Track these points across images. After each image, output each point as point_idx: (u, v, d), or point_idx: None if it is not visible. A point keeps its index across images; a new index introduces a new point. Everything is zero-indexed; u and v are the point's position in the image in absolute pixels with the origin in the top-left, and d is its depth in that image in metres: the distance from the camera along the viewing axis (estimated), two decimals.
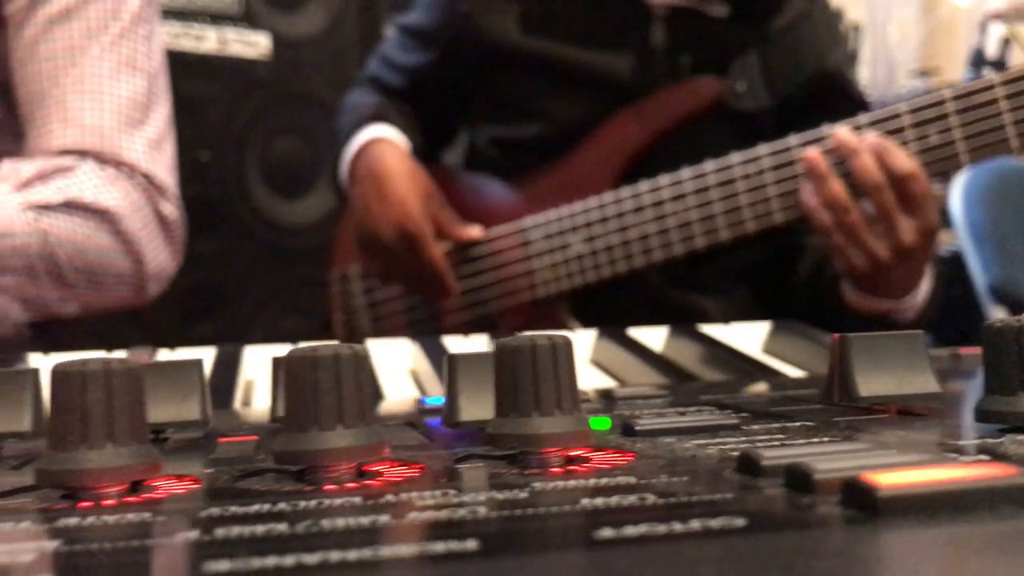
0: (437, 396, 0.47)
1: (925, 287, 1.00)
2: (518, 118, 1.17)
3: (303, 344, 0.53)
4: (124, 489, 0.25)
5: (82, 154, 0.75)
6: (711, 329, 0.76)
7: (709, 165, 1.01)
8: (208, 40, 1.55)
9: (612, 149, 1.10)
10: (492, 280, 1.13)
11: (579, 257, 1.08)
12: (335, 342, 0.28)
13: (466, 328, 1.15)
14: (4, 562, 0.20)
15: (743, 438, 0.34)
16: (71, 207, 0.72)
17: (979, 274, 1.39)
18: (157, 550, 0.21)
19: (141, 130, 0.79)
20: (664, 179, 1.03)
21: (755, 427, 0.37)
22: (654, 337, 0.74)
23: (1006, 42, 2.67)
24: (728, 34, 1.11)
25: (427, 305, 1.17)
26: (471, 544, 0.21)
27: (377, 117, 1.16)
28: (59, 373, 0.25)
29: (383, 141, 1.13)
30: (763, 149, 0.99)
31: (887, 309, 0.97)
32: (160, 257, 0.80)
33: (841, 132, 0.94)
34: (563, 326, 1.09)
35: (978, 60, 2.69)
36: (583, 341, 0.72)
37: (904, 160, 0.90)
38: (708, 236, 1.01)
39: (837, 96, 1.13)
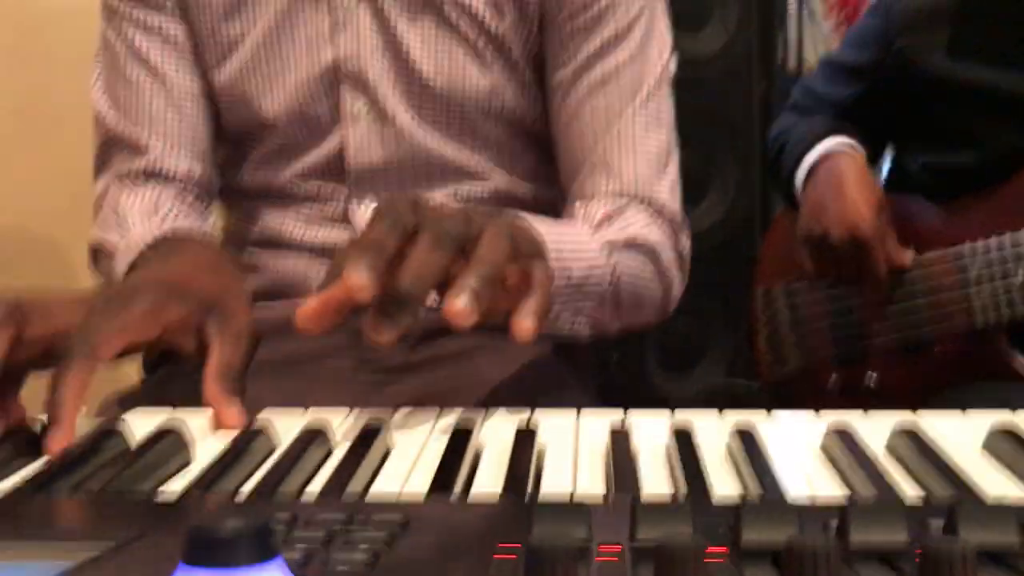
0: None
1: None
2: (953, 146, 1.20)
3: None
4: None
5: (626, 198, 0.90)
6: None
7: None
8: None
9: None
10: (925, 304, 1.17)
11: (1022, 287, 1.09)
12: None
13: (894, 347, 1.20)
14: None
15: None
16: (629, 244, 0.86)
17: None
18: None
19: (665, 176, 0.92)
20: None
21: None
22: None
23: None
24: None
25: (853, 326, 1.23)
26: None
27: (836, 131, 1.24)
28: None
29: (844, 151, 1.21)
30: None
31: None
32: (678, 285, 0.93)
33: None
34: (1003, 357, 1.11)
35: None
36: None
37: None
38: None
39: None
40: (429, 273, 0.55)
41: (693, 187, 1.88)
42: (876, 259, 1.16)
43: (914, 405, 1.12)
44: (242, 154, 0.97)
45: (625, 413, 0.58)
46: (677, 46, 1.78)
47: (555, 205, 1.03)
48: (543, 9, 0.91)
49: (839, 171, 1.19)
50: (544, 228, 0.76)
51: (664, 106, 0.93)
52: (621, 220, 0.87)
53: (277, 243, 0.96)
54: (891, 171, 1.32)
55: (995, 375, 1.12)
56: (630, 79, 0.91)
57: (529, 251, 0.65)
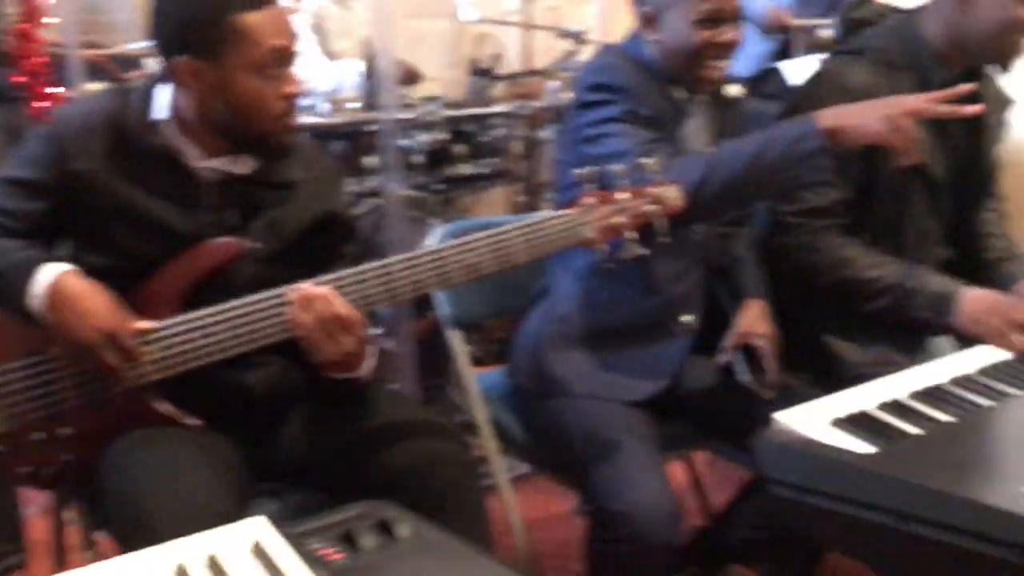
0: None
1: (369, 363, 1.61)
2: (100, 250, 1.61)
3: None
4: None
5: None
6: None
7: (249, 298, 1.53)
8: None
9: (174, 283, 1.59)
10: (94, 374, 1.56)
11: (158, 360, 1.56)
12: None
13: (83, 405, 1.59)
14: None
15: None
16: None
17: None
18: None
19: None
20: (222, 306, 1.54)
21: None
22: None
23: None
24: (257, 193, 1.63)
25: (53, 394, 1.58)
26: None
27: (46, 260, 1.54)
28: None
29: (66, 274, 1.52)
30: (272, 292, 1.53)
31: (349, 377, 1.58)
32: None
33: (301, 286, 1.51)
34: (152, 407, 1.58)
35: None
36: None
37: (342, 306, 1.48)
38: (253, 343, 1.55)
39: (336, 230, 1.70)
40: None
41: None
42: (128, 342, 1.51)
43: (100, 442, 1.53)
44: None
45: None
46: None
47: None
48: None
49: (69, 292, 1.50)
50: None
51: None
52: None
53: None
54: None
55: (149, 420, 1.59)
56: None
57: None
